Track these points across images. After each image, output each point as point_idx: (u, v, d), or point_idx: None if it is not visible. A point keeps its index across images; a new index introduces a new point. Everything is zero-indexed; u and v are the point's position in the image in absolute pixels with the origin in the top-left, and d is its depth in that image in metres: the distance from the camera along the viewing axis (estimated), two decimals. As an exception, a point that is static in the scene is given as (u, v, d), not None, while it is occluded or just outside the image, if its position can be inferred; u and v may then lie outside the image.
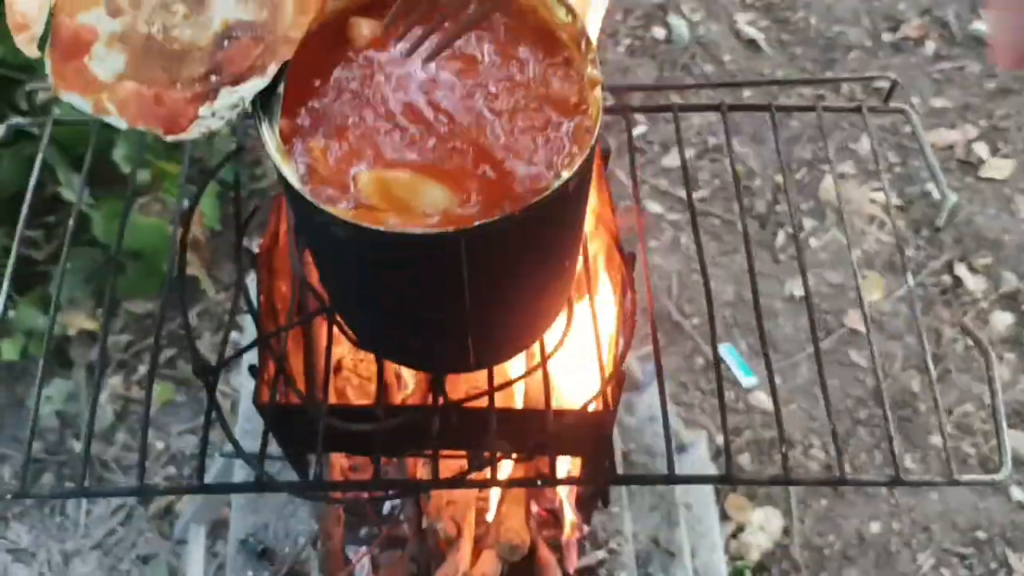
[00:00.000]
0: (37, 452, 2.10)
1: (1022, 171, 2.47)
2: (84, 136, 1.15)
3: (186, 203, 0.90)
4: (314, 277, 0.83)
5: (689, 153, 2.54)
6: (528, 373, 0.75)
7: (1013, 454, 2.10)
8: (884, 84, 1.03)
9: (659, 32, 2.69)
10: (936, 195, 2.42)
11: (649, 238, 2.35)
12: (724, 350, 2.25)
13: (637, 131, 2.49)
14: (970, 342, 2.22)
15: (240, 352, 0.74)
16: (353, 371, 0.95)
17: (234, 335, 2.22)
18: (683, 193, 2.45)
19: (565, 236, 0.64)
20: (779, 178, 2.47)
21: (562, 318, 0.76)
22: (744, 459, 2.11)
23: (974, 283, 2.32)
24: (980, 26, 2.69)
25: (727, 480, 0.78)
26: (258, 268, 0.82)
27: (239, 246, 0.79)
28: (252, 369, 0.76)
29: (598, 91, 0.58)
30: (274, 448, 0.79)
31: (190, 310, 2.25)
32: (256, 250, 0.83)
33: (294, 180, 0.55)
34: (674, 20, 2.70)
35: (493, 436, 0.72)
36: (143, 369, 2.19)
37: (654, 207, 2.44)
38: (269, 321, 0.82)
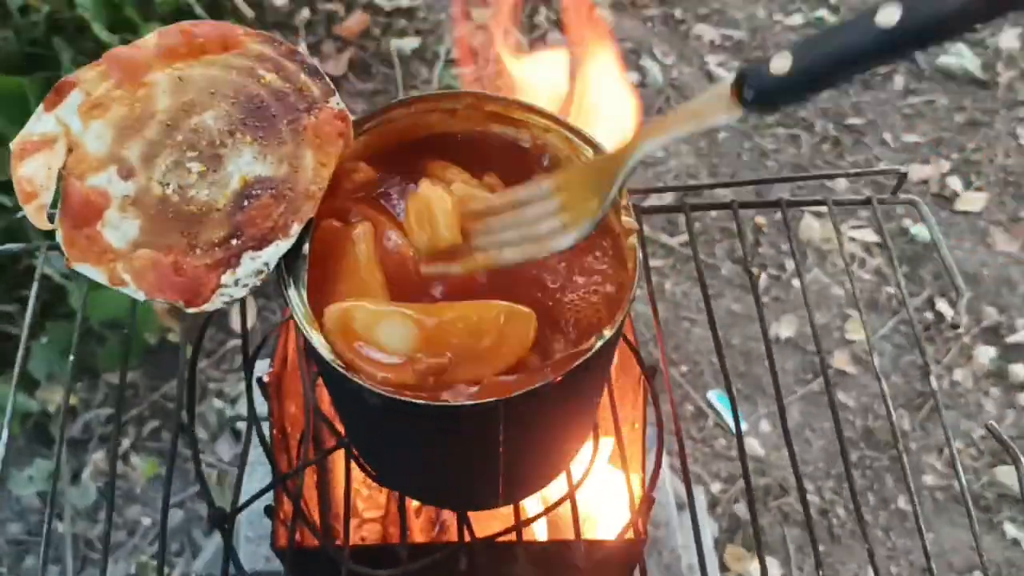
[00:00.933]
0: (19, 534, 2.04)
1: (996, 203, 2.49)
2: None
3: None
4: (326, 403, 0.81)
5: (668, 198, 2.54)
6: (556, 505, 0.72)
7: (1002, 489, 2.11)
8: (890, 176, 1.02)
9: (633, 76, 2.70)
10: (915, 229, 2.45)
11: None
12: (714, 397, 2.25)
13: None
14: (958, 375, 2.23)
15: (257, 496, 0.71)
16: (363, 483, 0.92)
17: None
18: (665, 239, 2.45)
19: (599, 380, 0.62)
20: (759, 219, 2.47)
21: (588, 443, 0.74)
22: (740, 508, 2.10)
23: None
24: (947, 60, 2.72)
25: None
26: (268, 397, 0.79)
27: (248, 380, 0.76)
28: (268, 510, 0.73)
29: (634, 239, 0.56)
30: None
31: (173, 379, 2.21)
32: (265, 379, 0.80)
33: (325, 352, 0.53)
34: (647, 63, 2.71)
35: (524, 572, 0.70)
36: (126, 443, 2.14)
37: (655, 262, 2.43)
38: (280, 448, 0.79)
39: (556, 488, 0.74)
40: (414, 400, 0.51)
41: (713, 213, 2.48)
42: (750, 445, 2.17)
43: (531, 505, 0.76)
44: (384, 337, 0.52)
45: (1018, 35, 2.79)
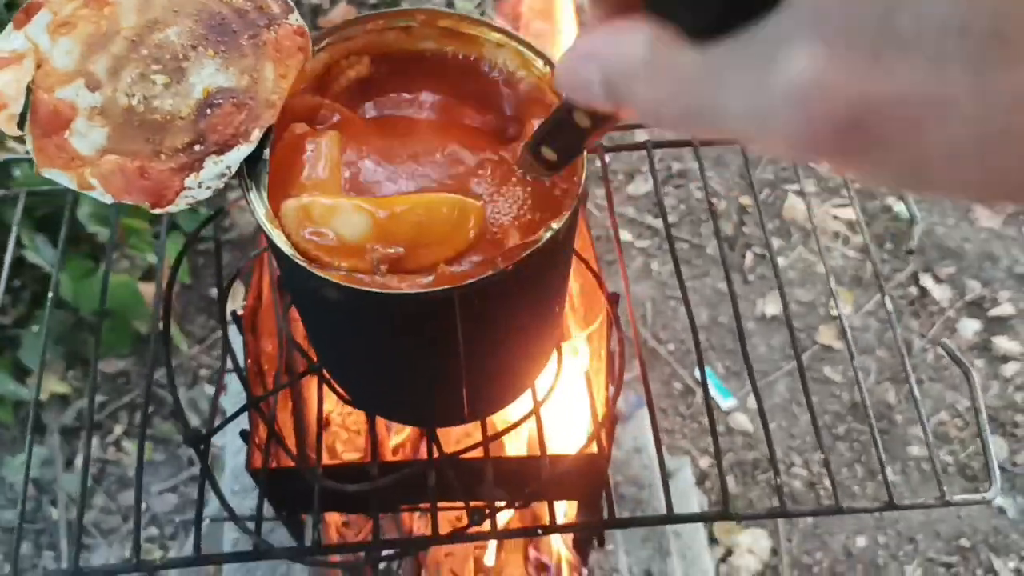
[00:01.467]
0: (13, 520, 2.05)
1: (978, 180, 2.52)
2: (48, 197, 1.14)
3: (158, 260, 0.89)
4: (301, 335, 0.83)
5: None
6: (521, 421, 0.74)
7: (999, 481, 2.14)
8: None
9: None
10: (898, 206, 2.47)
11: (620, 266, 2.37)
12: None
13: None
14: (941, 351, 2.25)
15: (231, 418, 0.73)
16: (342, 426, 0.95)
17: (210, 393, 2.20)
18: (651, 220, 2.47)
19: (555, 283, 0.64)
20: (744, 200, 2.50)
21: (552, 362, 0.76)
22: (729, 482, 2.11)
23: (940, 292, 2.35)
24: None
25: (727, 516, 0.78)
26: (243, 329, 0.82)
27: (222, 309, 0.78)
28: (243, 434, 0.75)
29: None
30: (266, 509, 0.78)
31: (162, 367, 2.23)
32: (240, 312, 0.82)
33: (284, 247, 0.55)
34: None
35: (491, 486, 0.72)
36: (119, 430, 2.16)
37: (623, 235, 2.45)
38: (257, 383, 0.81)
39: (522, 407, 0.76)
40: (371, 289, 0.53)
41: (697, 194, 2.51)
42: (738, 420, 2.20)
43: (498, 424, 0.78)
44: (340, 228, 0.54)
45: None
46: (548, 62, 0.63)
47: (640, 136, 2.59)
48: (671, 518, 0.76)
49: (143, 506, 2.09)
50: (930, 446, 0.89)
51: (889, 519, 2.08)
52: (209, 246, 2.37)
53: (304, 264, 0.54)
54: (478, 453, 0.74)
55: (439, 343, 0.60)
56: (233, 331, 0.82)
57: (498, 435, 0.74)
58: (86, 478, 0.79)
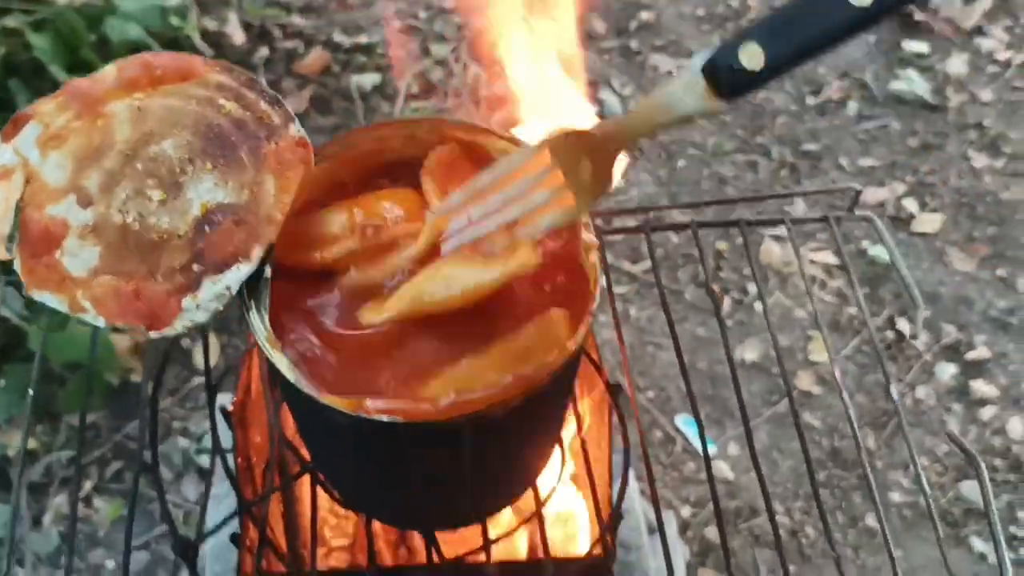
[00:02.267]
0: (-22, 583, 1.99)
1: (951, 224, 2.54)
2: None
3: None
4: (291, 430, 0.81)
5: (631, 223, 2.56)
6: (524, 522, 0.73)
7: (967, 504, 2.14)
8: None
9: (591, 108, 2.73)
10: (873, 250, 2.49)
11: (598, 312, 2.36)
12: (682, 421, 2.26)
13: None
14: (920, 393, 2.26)
15: (223, 524, 0.71)
16: (330, 511, 0.92)
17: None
18: (628, 266, 2.47)
19: (564, 395, 0.63)
20: (720, 244, 2.50)
21: (555, 459, 0.75)
22: (711, 531, 2.10)
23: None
24: (899, 85, 2.79)
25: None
26: (232, 426, 0.79)
27: (212, 411, 0.76)
28: (234, 537, 0.72)
29: (594, 255, 0.57)
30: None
31: (136, 419, 2.18)
32: (229, 408, 0.80)
33: (289, 373, 0.53)
34: (605, 95, 2.74)
35: (494, 592, 0.70)
36: (88, 485, 2.11)
37: (601, 280, 2.44)
38: (246, 479, 0.79)
39: (523, 507, 0.74)
40: (379, 418, 0.51)
41: (675, 239, 2.51)
42: (719, 468, 2.19)
43: (499, 525, 0.76)
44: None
45: (965, 61, 2.86)
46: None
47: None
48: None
49: (111, 564, 2.04)
50: (923, 484, 0.87)
51: (872, 566, 2.08)
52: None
53: (312, 393, 0.52)
54: (479, 557, 0.72)
55: (445, 462, 0.58)
56: (220, 424, 0.80)
57: (500, 538, 0.72)
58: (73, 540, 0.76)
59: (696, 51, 2.90)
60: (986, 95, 2.78)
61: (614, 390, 0.78)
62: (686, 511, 2.16)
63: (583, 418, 0.79)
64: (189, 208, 0.57)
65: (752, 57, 0.47)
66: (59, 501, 2.09)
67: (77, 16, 2.57)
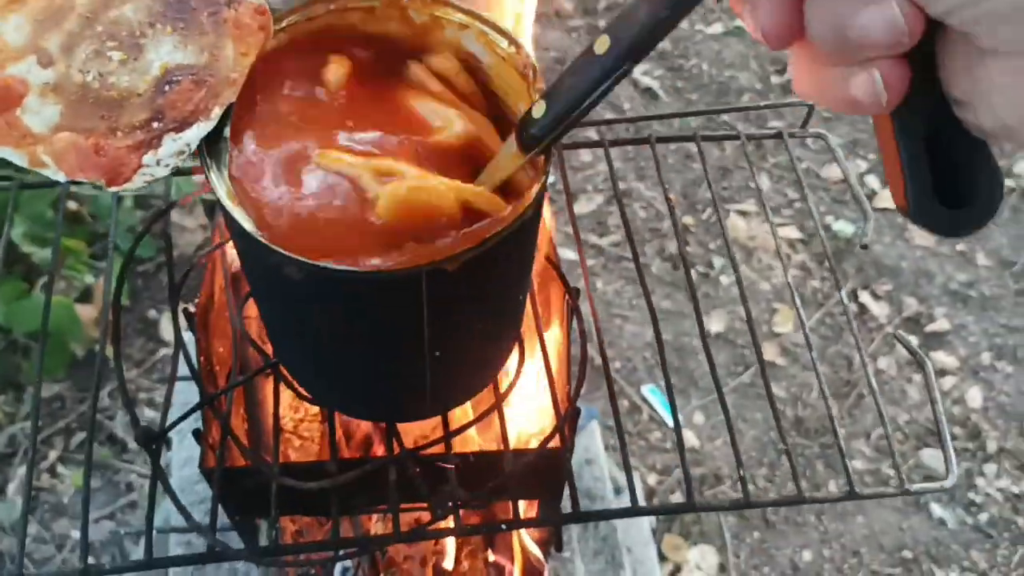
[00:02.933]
0: (-61, 552, 1.96)
1: (912, 200, 2.58)
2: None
3: (99, 280, 0.86)
4: (255, 332, 0.81)
5: (599, 199, 2.59)
6: (484, 415, 0.73)
7: (928, 471, 2.17)
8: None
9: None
10: (837, 225, 2.53)
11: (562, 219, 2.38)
12: (648, 391, 2.28)
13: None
14: (882, 363, 2.30)
15: (186, 415, 0.71)
16: (294, 432, 0.92)
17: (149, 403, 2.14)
18: (595, 239, 2.48)
19: (523, 267, 0.64)
20: (687, 219, 2.53)
21: (513, 356, 0.75)
22: (676, 498, 2.12)
23: (878, 309, 2.40)
24: (861, 66, 2.83)
25: (690, 508, 0.78)
26: (195, 328, 0.79)
27: (174, 307, 0.76)
28: (196, 433, 0.72)
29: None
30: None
31: (102, 389, 2.16)
32: (192, 309, 0.80)
33: (246, 224, 0.54)
34: (573, 73, 2.77)
35: (454, 483, 0.71)
36: (53, 455, 2.08)
37: (569, 254, 2.46)
38: (209, 383, 0.79)
39: (483, 402, 0.75)
40: (335, 267, 0.52)
41: (642, 213, 2.54)
42: (685, 437, 2.20)
43: (458, 417, 0.77)
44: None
45: (926, 43, 2.92)
46: (513, 42, 0.63)
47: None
48: (635, 510, 0.75)
49: (77, 534, 2.02)
50: (889, 439, 0.89)
51: (834, 532, 2.10)
52: (148, 267, 2.32)
53: (266, 242, 0.53)
54: (439, 449, 0.72)
55: (403, 327, 0.59)
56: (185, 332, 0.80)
57: (461, 429, 0.72)
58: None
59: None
60: (946, 76, 2.84)
61: (574, 293, 0.79)
62: (652, 478, 2.18)
63: (541, 317, 0.80)
64: (149, 68, 0.57)
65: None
66: (23, 471, 2.07)
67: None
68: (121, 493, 2.08)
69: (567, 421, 0.73)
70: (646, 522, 1.92)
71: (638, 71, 2.80)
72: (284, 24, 0.63)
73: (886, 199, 2.58)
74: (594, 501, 1.47)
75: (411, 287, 0.54)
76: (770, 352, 2.33)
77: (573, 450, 0.74)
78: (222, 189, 0.55)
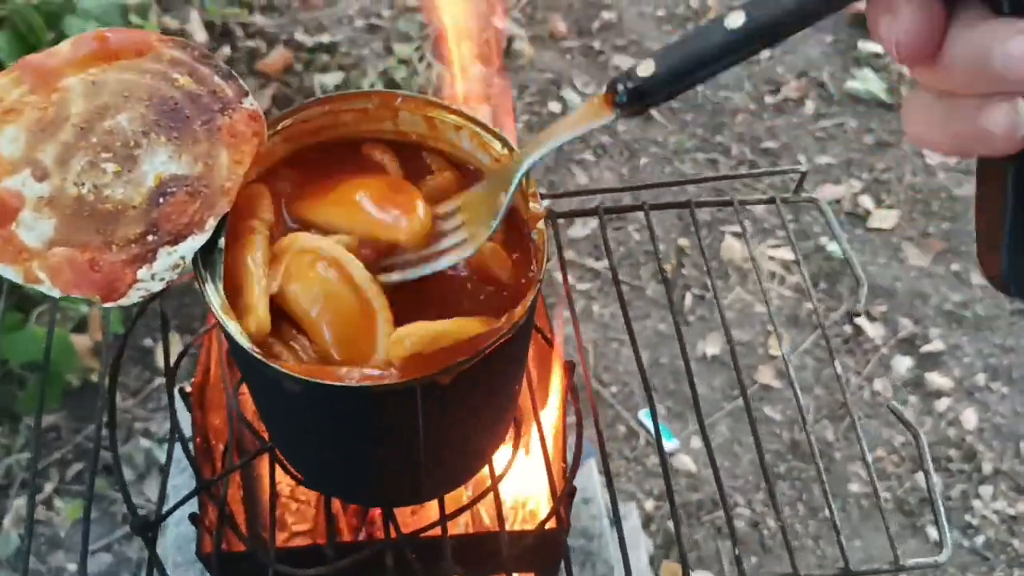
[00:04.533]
0: (-64, 586, 1.97)
1: (906, 220, 2.59)
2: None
3: (94, 310, 0.86)
4: (250, 411, 0.81)
5: (593, 223, 2.59)
6: (480, 498, 0.74)
7: (923, 494, 2.18)
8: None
9: (555, 107, 2.75)
10: (831, 246, 2.53)
11: (563, 309, 2.38)
12: (645, 416, 2.28)
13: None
14: (878, 385, 2.30)
15: (182, 502, 0.71)
16: (291, 496, 0.93)
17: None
18: (592, 263, 2.49)
19: (518, 367, 0.64)
20: (682, 241, 2.53)
21: (509, 436, 0.76)
22: (673, 524, 2.12)
23: (873, 331, 2.41)
24: (855, 84, 2.84)
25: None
26: (191, 407, 0.80)
27: (170, 388, 0.76)
28: (193, 517, 0.73)
29: (542, 224, 0.59)
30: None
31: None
32: (188, 389, 0.80)
33: (242, 341, 0.54)
34: (568, 94, 2.77)
35: (450, 564, 0.71)
36: (49, 488, 2.09)
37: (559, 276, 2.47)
38: (205, 461, 0.79)
39: (479, 483, 0.75)
40: (333, 383, 0.52)
41: (636, 236, 2.54)
42: (682, 461, 2.21)
43: (456, 501, 0.77)
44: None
45: (919, 60, 2.92)
46: (505, 143, 0.63)
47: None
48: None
49: (73, 567, 2.02)
50: (883, 514, 0.90)
51: (832, 556, 2.11)
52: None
53: (263, 358, 0.53)
54: (436, 532, 0.73)
55: (399, 433, 0.59)
56: (180, 407, 0.80)
57: (457, 513, 0.73)
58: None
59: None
60: (939, 94, 2.85)
61: (568, 367, 0.79)
62: (649, 504, 2.18)
63: (537, 396, 0.80)
64: (144, 180, 0.57)
65: (646, 67, 0.51)
66: (19, 503, 2.07)
67: (35, 13, 2.55)
68: (118, 524, 2.08)
69: (562, 502, 0.74)
70: (643, 549, 1.93)
71: (632, 91, 2.81)
72: (279, 127, 0.63)
73: (879, 219, 2.59)
74: (591, 540, 1.48)
75: (406, 399, 0.54)
76: (766, 375, 2.34)
77: (569, 530, 0.74)
78: (216, 302, 0.56)
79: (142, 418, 2.18)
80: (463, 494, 0.79)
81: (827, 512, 2.11)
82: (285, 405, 0.61)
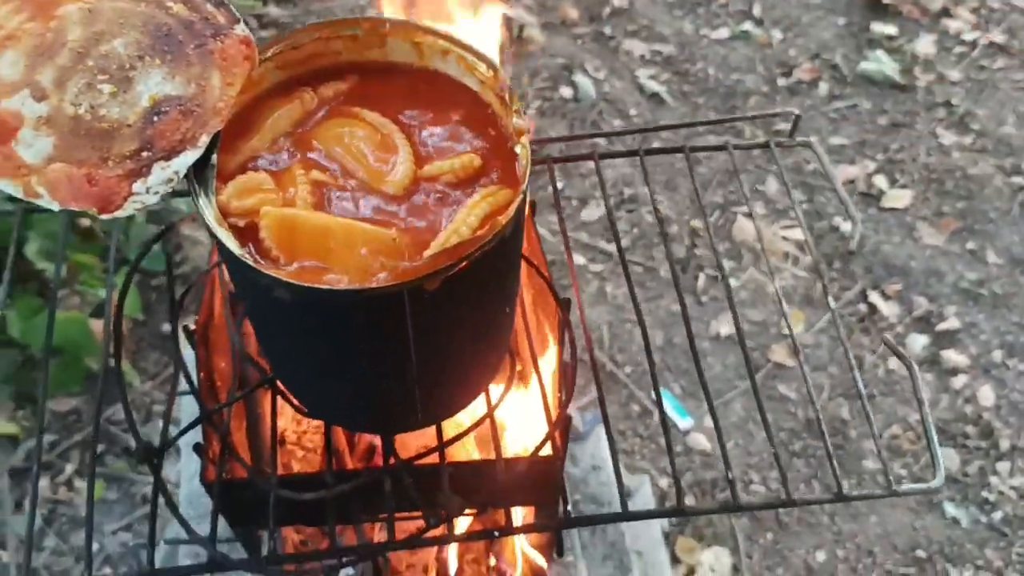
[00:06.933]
0: (-38, 565, 2.00)
1: (920, 199, 2.58)
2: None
3: (112, 294, 0.88)
4: (253, 349, 0.83)
5: (604, 207, 2.60)
6: (476, 425, 0.75)
7: (943, 470, 2.17)
8: (786, 124, 1.08)
9: (566, 92, 2.76)
10: (845, 226, 2.53)
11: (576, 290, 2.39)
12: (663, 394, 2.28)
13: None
14: (893, 363, 2.29)
15: (185, 430, 0.73)
16: (297, 444, 0.94)
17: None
18: (604, 244, 2.50)
19: (505, 283, 0.65)
20: (695, 222, 2.53)
21: (505, 367, 0.77)
22: (688, 501, 2.12)
23: (888, 309, 2.40)
24: (868, 66, 2.83)
25: (679, 512, 0.79)
26: (195, 345, 0.81)
27: (175, 324, 0.78)
28: (197, 447, 0.75)
29: (525, 139, 0.60)
30: (222, 528, 0.77)
31: (118, 403, 2.19)
32: (192, 327, 0.82)
33: (234, 246, 0.56)
34: (579, 79, 2.78)
35: (448, 492, 0.72)
36: (70, 469, 2.12)
37: (578, 259, 2.47)
38: (210, 398, 0.81)
39: (476, 412, 0.76)
40: (321, 287, 0.54)
41: (648, 218, 2.54)
42: (697, 440, 2.21)
43: (453, 429, 0.78)
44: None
45: (933, 41, 2.91)
46: (491, 66, 0.64)
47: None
48: (625, 515, 0.76)
49: (96, 546, 2.05)
50: (877, 443, 0.90)
51: (848, 532, 2.10)
52: (161, 281, 2.35)
53: (255, 264, 0.55)
54: (434, 459, 0.74)
55: (391, 342, 0.61)
56: (186, 349, 0.82)
57: (454, 439, 0.74)
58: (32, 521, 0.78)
59: (669, 35, 2.93)
60: (954, 74, 2.83)
61: (563, 304, 0.80)
62: (664, 482, 2.18)
63: (534, 338, 0.81)
64: (138, 100, 0.59)
65: None
66: (41, 484, 2.10)
67: None
68: (137, 505, 2.10)
69: (558, 428, 0.75)
70: (657, 525, 1.93)
71: (643, 76, 2.82)
72: (270, 53, 0.65)
73: (893, 198, 2.58)
74: (601, 506, 1.49)
75: (394, 306, 0.55)
76: (780, 354, 2.33)
77: (565, 458, 0.75)
78: (210, 214, 0.57)
79: (161, 400, 2.21)
80: (462, 424, 0.80)
81: (843, 489, 2.12)
82: (278, 319, 0.62)
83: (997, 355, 2.32)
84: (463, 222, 0.57)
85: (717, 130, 2.72)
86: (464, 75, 0.66)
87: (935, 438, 0.82)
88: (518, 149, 0.60)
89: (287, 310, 0.57)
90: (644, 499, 1.83)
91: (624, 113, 2.73)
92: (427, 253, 0.55)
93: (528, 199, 0.61)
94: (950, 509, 2.11)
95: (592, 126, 2.70)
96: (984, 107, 2.76)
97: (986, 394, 2.27)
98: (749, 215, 2.56)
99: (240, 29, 0.63)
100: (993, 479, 2.17)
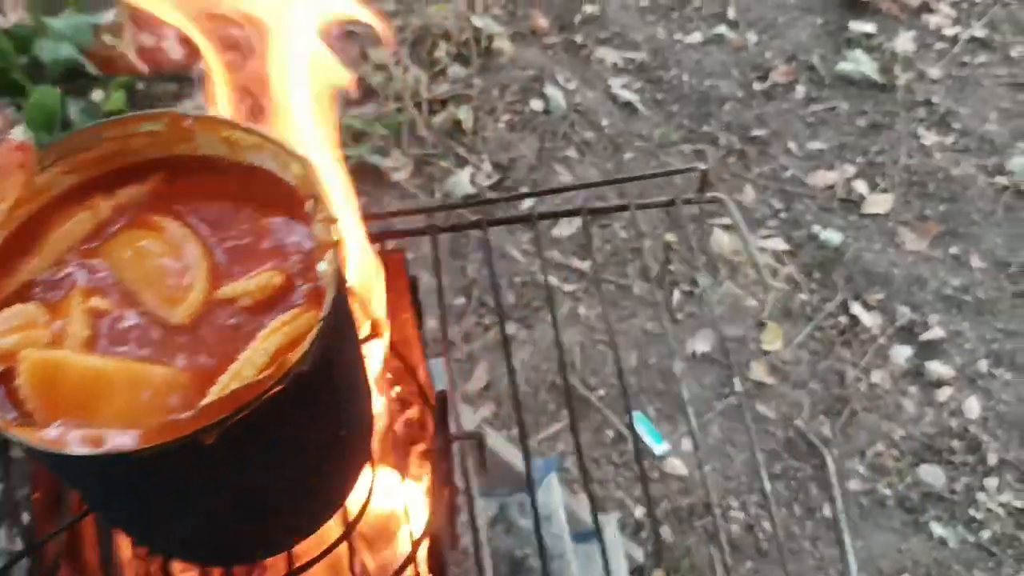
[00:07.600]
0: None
1: (902, 204, 2.50)
2: None
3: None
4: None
5: (578, 221, 2.52)
6: (331, 549, 0.68)
7: (926, 488, 2.08)
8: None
9: (537, 104, 2.69)
10: (825, 234, 2.44)
11: (548, 312, 2.31)
12: (633, 420, 2.21)
13: (527, 204, 2.44)
14: (876, 377, 2.21)
15: (5, 568, 0.66)
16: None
17: None
18: (577, 263, 2.42)
19: (324, 415, 0.57)
20: (669, 236, 2.46)
21: (367, 478, 0.70)
22: (664, 531, 2.05)
23: (870, 320, 2.32)
24: (847, 66, 2.74)
25: None
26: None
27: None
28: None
29: (330, 255, 0.53)
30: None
31: None
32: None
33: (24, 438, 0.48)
34: (550, 90, 2.70)
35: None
36: None
37: (549, 279, 2.40)
38: (47, 520, 0.74)
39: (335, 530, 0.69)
40: (73, 454, 0.46)
41: (623, 233, 2.47)
42: (673, 465, 2.14)
43: (309, 552, 0.71)
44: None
45: (912, 38, 2.82)
46: (303, 165, 0.57)
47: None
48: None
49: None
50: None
51: (830, 558, 2.03)
52: None
53: (49, 449, 0.47)
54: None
55: (191, 494, 0.54)
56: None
57: (302, 568, 0.67)
58: None
59: (641, 42, 2.85)
60: (934, 72, 2.74)
61: (439, 401, 0.73)
62: (639, 511, 2.11)
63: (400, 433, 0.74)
64: None
65: None
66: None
67: (5, 39, 2.53)
68: None
69: (429, 543, 0.68)
70: (623, 562, 1.86)
71: (616, 85, 2.74)
72: (54, 157, 0.58)
73: (873, 203, 2.49)
74: (552, 561, 1.42)
75: (175, 462, 0.48)
76: (758, 371, 2.26)
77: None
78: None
79: None
80: (329, 535, 0.73)
81: (824, 511, 2.04)
82: (61, 472, 0.55)
83: (983, 364, 2.24)
84: (249, 360, 0.50)
85: (692, 137, 2.64)
86: (282, 170, 0.59)
87: (848, 540, 0.74)
88: (321, 267, 0.52)
89: (67, 467, 0.51)
90: (610, 539, 1.76)
91: (596, 124, 2.65)
92: (203, 402, 0.48)
93: (343, 315, 0.54)
94: (937, 529, 2.04)
95: (564, 139, 2.63)
96: (966, 105, 2.66)
97: (972, 406, 2.19)
98: (723, 226, 2.49)
99: (18, 132, 0.56)
100: (981, 496, 2.09)
